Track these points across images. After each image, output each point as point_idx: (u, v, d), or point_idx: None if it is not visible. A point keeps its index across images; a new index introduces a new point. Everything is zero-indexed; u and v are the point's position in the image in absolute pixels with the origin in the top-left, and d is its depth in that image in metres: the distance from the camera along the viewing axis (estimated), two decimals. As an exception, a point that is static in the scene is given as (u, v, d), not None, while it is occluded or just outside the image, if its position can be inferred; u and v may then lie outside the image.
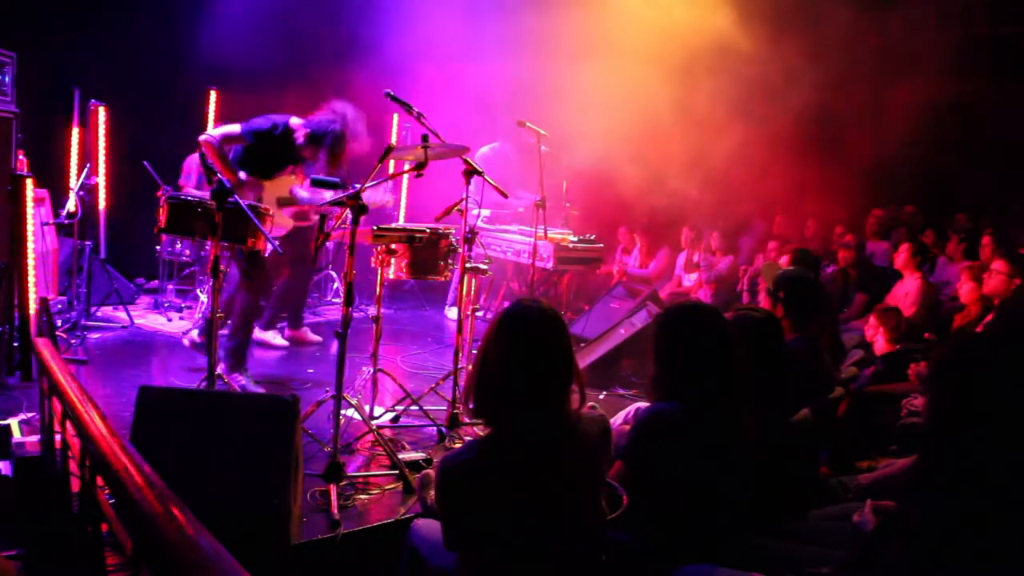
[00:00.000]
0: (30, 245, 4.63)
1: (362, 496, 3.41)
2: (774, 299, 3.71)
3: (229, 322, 4.76)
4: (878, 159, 7.95)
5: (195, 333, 4.98)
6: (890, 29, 8.14)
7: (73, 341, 5.45)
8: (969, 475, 1.54)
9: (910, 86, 7.99)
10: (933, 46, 7.89)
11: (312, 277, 6.28)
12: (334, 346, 3.64)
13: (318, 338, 5.98)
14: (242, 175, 4.73)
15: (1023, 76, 8.02)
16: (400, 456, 3.68)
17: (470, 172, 4.24)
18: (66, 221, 5.82)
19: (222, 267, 3.75)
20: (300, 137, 4.67)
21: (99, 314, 6.22)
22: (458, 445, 3.98)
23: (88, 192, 6.06)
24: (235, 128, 4.62)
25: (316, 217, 5.34)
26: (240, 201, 3.85)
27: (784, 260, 5.28)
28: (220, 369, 3.90)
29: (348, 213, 3.58)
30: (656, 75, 6.62)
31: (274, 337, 5.80)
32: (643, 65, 6.66)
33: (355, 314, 6.33)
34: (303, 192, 5.33)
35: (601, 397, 4.93)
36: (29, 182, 4.59)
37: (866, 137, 8.16)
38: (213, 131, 4.58)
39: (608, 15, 7.02)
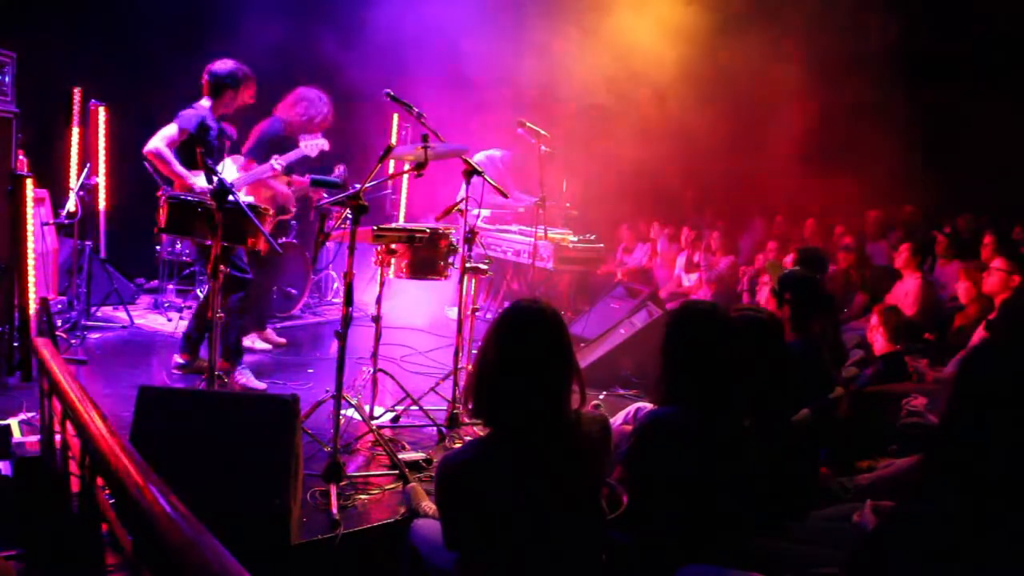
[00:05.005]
0: (30, 245, 4.63)
1: (362, 496, 3.41)
2: (779, 299, 3.71)
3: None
4: (878, 159, 7.97)
5: (177, 357, 4.90)
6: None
7: (73, 341, 5.45)
8: (980, 475, 1.54)
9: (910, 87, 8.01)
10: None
11: (275, 279, 6.25)
12: (334, 346, 3.64)
13: (282, 340, 6.00)
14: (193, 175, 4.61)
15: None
16: (400, 456, 3.68)
17: (470, 172, 4.24)
18: (66, 221, 5.82)
19: (221, 268, 3.75)
20: (209, 90, 4.73)
21: (99, 314, 6.22)
22: (458, 445, 3.98)
23: (88, 192, 6.06)
24: (172, 128, 4.55)
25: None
26: (240, 201, 3.86)
27: (789, 259, 5.28)
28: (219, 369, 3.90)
29: (348, 212, 3.58)
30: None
31: (253, 341, 5.78)
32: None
33: (355, 314, 6.33)
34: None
35: (601, 397, 4.93)
36: (29, 182, 4.59)
37: (865, 137, 8.17)
38: (152, 141, 4.50)
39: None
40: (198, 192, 4.41)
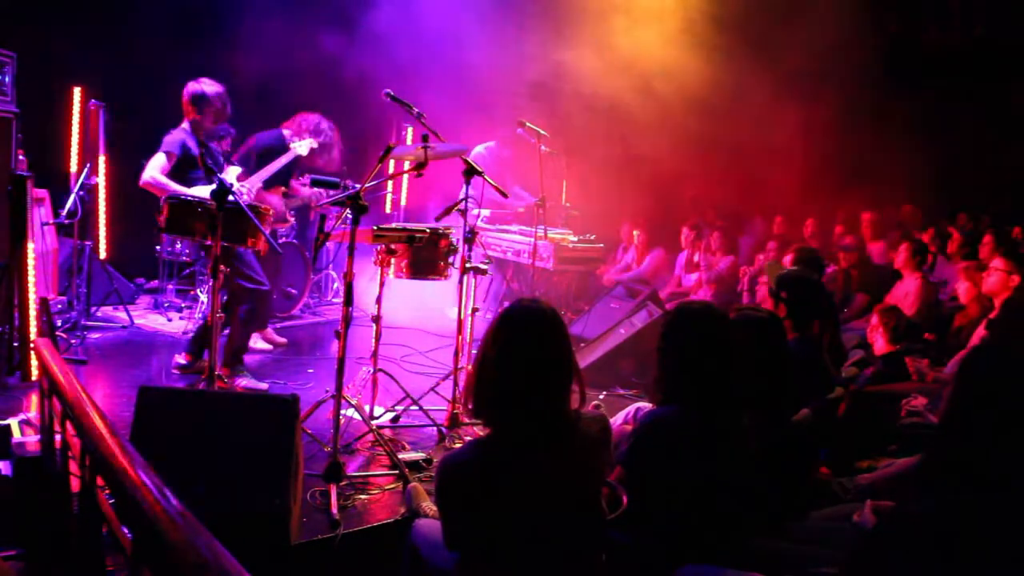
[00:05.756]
0: (30, 245, 4.63)
1: (362, 496, 3.41)
2: (776, 299, 3.71)
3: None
4: (878, 160, 7.98)
5: (178, 358, 4.91)
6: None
7: (73, 341, 5.45)
8: (980, 475, 1.54)
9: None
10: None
11: (275, 279, 6.28)
12: (334, 346, 3.64)
13: (283, 339, 6.03)
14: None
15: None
16: (400, 456, 3.68)
17: (470, 172, 4.24)
18: (66, 221, 5.82)
19: (221, 268, 3.75)
20: (190, 106, 4.77)
21: (99, 314, 6.22)
22: (458, 445, 3.98)
23: (88, 192, 6.06)
24: (161, 157, 4.63)
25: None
26: (240, 201, 3.86)
27: (787, 259, 5.29)
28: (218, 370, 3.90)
29: (348, 213, 3.58)
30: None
31: (254, 340, 5.77)
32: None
33: (355, 314, 6.35)
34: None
35: (601, 397, 4.93)
36: (29, 182, 4.59)
37: (864, 137, 8.18)
38: (146, 173, 4.59)
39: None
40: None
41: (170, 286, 6.89)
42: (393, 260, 4.32)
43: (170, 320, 6.35)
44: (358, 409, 3.83)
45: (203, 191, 4.47)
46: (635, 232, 8.44)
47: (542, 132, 5.68)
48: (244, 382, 4.72)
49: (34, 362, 4.33)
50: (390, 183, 7.93)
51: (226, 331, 4.76)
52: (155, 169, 4.60)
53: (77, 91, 6.44)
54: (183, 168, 4.68)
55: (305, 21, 7.54)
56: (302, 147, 5.34)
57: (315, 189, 6.05)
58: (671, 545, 2.45)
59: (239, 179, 4.99)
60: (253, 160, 5.52)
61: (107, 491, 2.13)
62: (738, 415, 2.57)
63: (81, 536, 2.35)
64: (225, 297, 4.68)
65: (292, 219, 6.22)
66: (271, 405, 3.03)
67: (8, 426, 3.56)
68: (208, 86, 4.82)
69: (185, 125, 4.84)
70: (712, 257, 7.66)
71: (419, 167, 4.04)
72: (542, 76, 7.17)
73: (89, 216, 6.33)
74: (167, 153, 4.66)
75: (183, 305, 6.69)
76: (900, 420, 4.14)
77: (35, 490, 2.94)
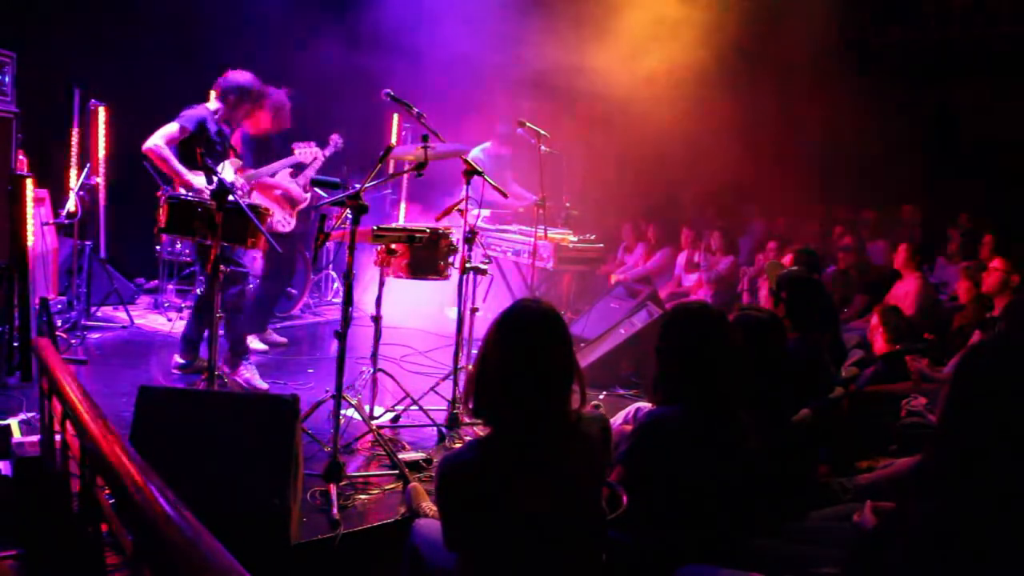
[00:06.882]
0: (30, 245, 4.63)
1: (362, 496, 3.41)
2: (776, 299, 3.72)
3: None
4: (874, 160, 7.98)
5: (177, 358, 4.91)
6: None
7: (73, 341, 5.45)
8: (976, 476, 1.54)
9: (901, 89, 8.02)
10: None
11: (285, 285, 6.27)
12: (334, 346, 3.64)
13: (283, 339, 6.03)
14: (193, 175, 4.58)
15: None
16: (400, 456, 3.68)
17: (470, 172, 4.25)
18: (66, 221, 5.82)
19: (221, 267, 3.75)
20: (234, 97, 4.72)
21: (99, 314, 6.22)
22: (458, 445, 3.98)
23: (88, 192, 6.06)
24: (173, 127, 4.53)
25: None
26: (240, 201, 3.86)
27: (787, 259, 5.29)
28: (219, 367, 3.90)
29: (348, 213, 3.58)
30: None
31: (252, 341, 5.75)
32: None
33: (355, 314, 6.34)
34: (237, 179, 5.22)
35: (601, 397, 4.93)
36: (29, 182, 4.59)
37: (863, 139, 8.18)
38: (152, 139, 4.47)
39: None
40: (197, 190, 4.41)
41: (170, 286, 6.89)
42: (393, 260, 4.32)
43: (170, 320, 6.35)
44: (358, 409, 3.83)
45: (199, 178, 4.44)
46: (636, 230, 8.45)
47: (542, 132, 5.67)
48: (247, 375, 4.70)
49: (34, 362, 4.33)
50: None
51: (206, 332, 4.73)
52: (161, 137, 4.48)
53: (77, 91, 6.44)
54: (190, 147, 4.52)
55: (306, 20, 7.54)
56: (305, 155, 5.32)
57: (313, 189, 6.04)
58: (671, 545, 2.45)
59: (237, 172, 4.94)
60: (253, 153, 5.47)
61: (107, 491, 2.13)
62: (738, 415, 2.57)
63: (81, 536, 2.35)
64: (205, 288, 4.63)
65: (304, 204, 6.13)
66: (271, 405, 3.03)
67: (8, 426, 3.56)
68: (255, 85, 4.78)
69: (212, 105, 4.74)
70: (712, 257, 7.66)
71: (419, 167, 4.04)
72: (543, 74, 7.17)
73: (89, 216, 6.34)
74: (181, 127, 4.55)
75: (183, 305, 6.68)
76: (900, 420, 4.15)
77: (35, 490, 2.94)
